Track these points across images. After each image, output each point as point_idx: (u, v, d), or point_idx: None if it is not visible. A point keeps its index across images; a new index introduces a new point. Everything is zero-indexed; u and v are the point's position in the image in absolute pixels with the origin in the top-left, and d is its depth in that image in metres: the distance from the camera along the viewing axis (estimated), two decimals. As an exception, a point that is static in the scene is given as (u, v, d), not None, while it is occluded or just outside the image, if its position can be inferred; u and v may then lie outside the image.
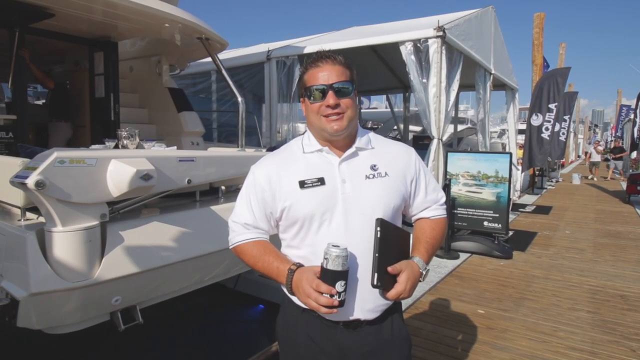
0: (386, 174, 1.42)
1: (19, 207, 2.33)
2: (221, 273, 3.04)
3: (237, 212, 1.50)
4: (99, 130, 5.29)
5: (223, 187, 3.27)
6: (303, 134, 1.53)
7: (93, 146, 3.25)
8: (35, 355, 3.39)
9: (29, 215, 2.35)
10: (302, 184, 1.38)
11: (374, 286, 1.30)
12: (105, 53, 5.23)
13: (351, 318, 1.39)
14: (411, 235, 1.53)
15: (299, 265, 1.35)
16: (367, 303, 1.38)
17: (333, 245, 1.23)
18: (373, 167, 1.42)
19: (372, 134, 1.52)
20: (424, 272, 1.40)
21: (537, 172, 13.45)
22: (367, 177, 1.40)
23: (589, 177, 17.77)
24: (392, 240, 1.37)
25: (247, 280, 4.38)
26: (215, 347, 3.68)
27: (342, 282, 1.23)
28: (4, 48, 4.32)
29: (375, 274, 1.29)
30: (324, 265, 1.23)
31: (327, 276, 1.22)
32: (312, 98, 1.37)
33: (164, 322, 3.93)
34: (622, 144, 19.78)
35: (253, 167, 1.50)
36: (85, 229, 2.06)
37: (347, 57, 1.42)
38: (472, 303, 4.11)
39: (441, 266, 5.25)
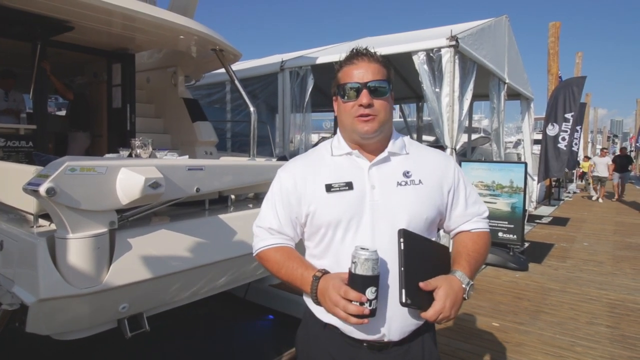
0: (420, 181, 1.31)
1: (32, 214, 2.38)
2: (230, 282, 3.03)
3: (262, 216, 1.41)
4: (116, 139, 5.40)
5: (232, 196, 3.28)
6: (332, 136, 1.44)
7: (107, 155, 3.30)
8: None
9: (41, 222, 2.39)
10: (329, 188, 1.29)
11: (402, 304, 1.16)
12: (122, 65, 5.37)
13: (376, 337, 1.26)
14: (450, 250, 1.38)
15: (325, 272, 1.24)
16: (394, 322, 1.25)
17: (361, 248, 1.11)
18: (406, 174, 1.32)
19: (407, 139, 1.42)
20: (467, 288, 1.22)
21: (553, 183, 13.19)
22: (399, 183, 1.30)
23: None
24: (423, 253, 1.24)
25: (257, 290, 4.37)
26: (222, 355, 3.66)
27: (373, 289, 1.10)
28: (26, 60, 4.45)
29: (403, 290, 1.15)
30: (352, 270, 1.11)
31: (356, 282, 1.10)
32: (345, 97, 1.29)
33: (170, 330, 3.94)
34: None
35: (279, 170, 1.43)
36: (94, 236, 2.08)
37: (384, 56, 1.33)
38: (486, 316, 4.02)
39: (454, 278, 5.16)
